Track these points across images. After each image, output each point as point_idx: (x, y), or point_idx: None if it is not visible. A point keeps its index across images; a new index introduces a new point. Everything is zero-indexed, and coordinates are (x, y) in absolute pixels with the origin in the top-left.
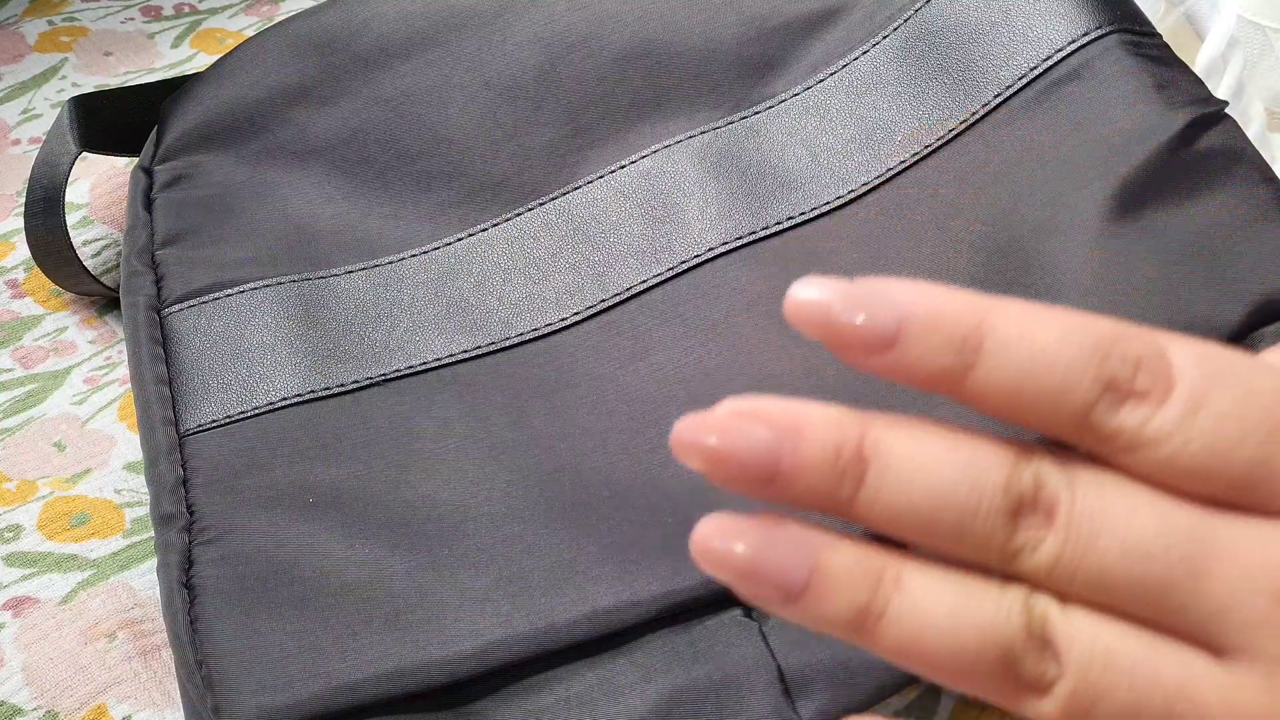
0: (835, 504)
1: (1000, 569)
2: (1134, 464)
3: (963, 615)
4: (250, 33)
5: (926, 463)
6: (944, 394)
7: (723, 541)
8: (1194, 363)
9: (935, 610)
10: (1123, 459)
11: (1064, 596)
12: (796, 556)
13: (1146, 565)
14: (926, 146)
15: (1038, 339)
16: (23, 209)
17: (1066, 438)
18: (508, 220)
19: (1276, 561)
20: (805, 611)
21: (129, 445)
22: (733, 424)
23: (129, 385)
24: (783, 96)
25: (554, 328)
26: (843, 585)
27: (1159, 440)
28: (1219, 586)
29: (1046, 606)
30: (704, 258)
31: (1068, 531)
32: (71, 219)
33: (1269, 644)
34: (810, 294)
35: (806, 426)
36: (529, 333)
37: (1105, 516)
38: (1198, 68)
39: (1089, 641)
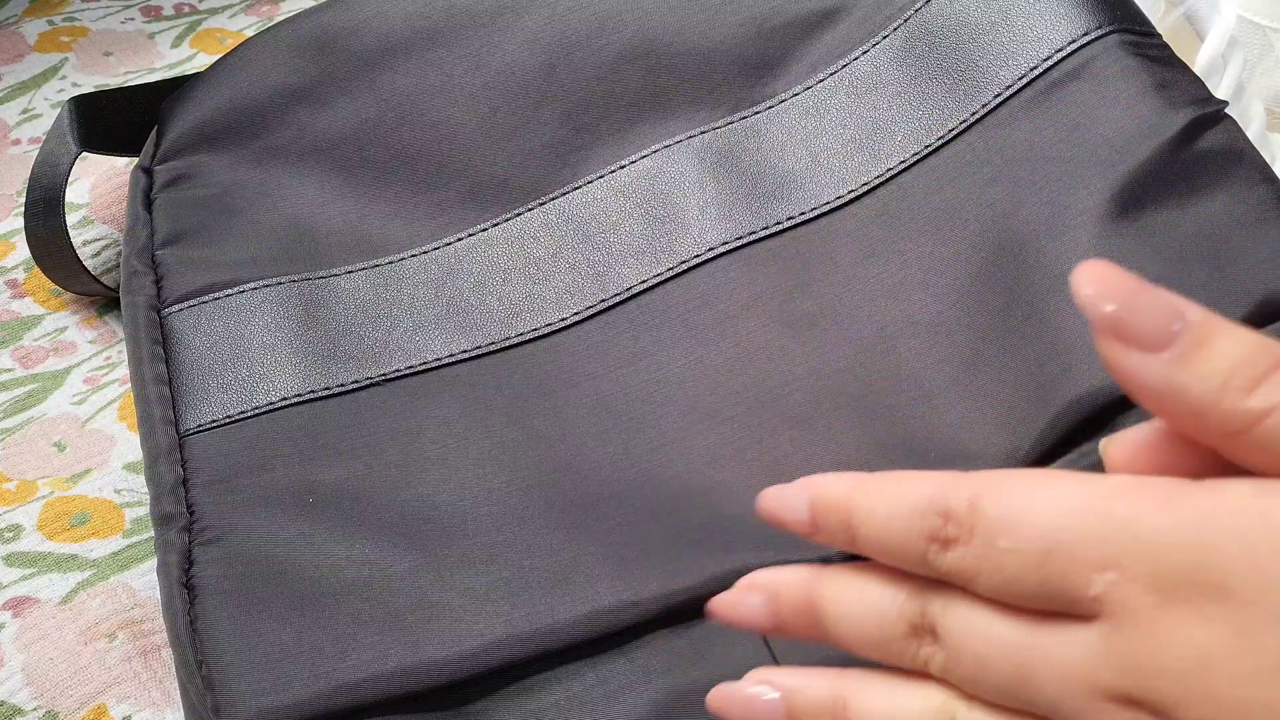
0: (815, 635)
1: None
2: (973, 590)
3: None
4: (250, 33)
5: (849, 605)
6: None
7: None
8: (992, 504)
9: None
10: (966, 588)
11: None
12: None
13: (995, 674)
14: (926, 146)
15: (880, 510)
16: (23, 209)
17: (924, 574)
18: (508, 220)
19: (1083, 662)
20: None
21: (129, 445)
22: (739, 596)
23: (129, 385)
24: (783, 96)
25: (554, 328)
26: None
27: (974, 575)
28: (1047, 688)
29: (955, 706)
30: (704, 258)
31: (946, 649)
32: (71, 219)
33: None
34: (766, 501)
35: (782, 591)
36: (529, 333)
37: (964, 635)
38: (1198, 68)
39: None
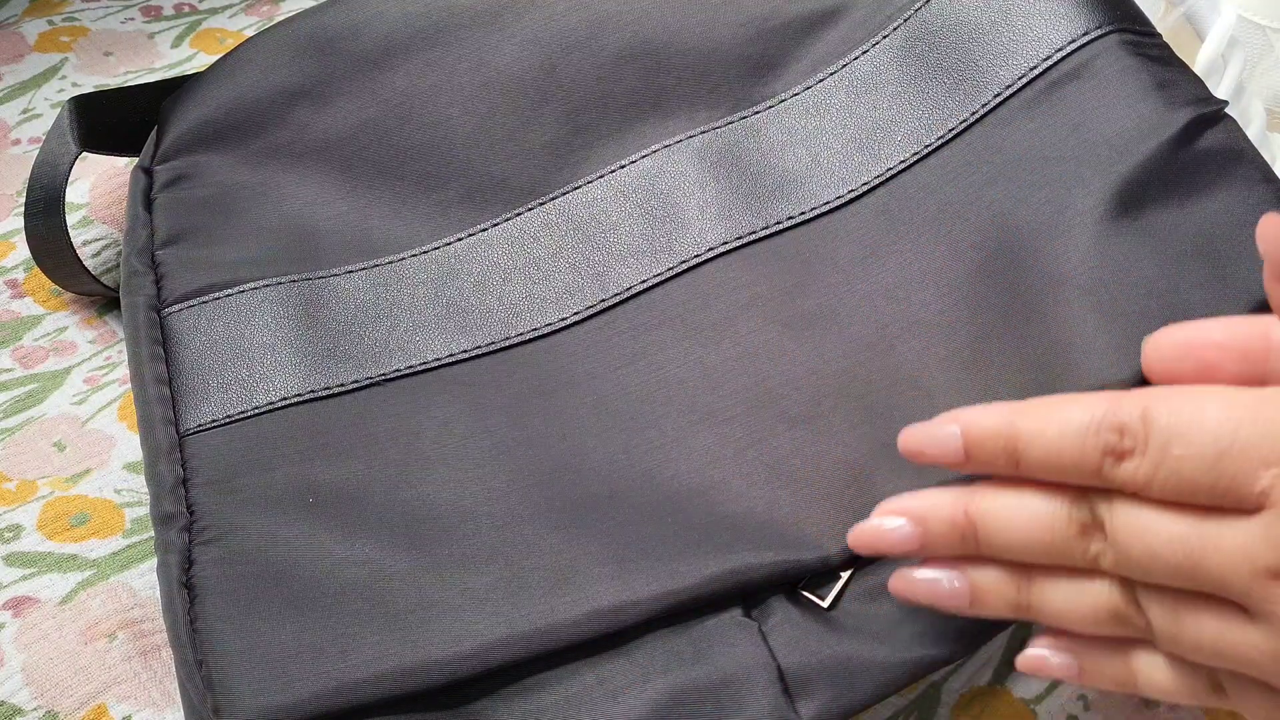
0: (967, 550)
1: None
2: (1145, 495)
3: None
4: (250, 33)
5: (1012, 516)
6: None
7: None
8: (1163, 414)
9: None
10: (1138, 493)
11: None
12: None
13: (1166, 563)
14: (926, 146)
15: (1051, 432)
16: (23, 209)
17: (1094, 485)
18: (508, 220)
19: (1248, 547)
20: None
21: (129, 445)
22: (881, 523)
23: (129, 385)
24: (783, 96)
25: (554, 328)
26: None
27: (1149, 480)
28: (1215, 570)
29: (1129, 589)
30: (704, 257)
31: (1116, 545)
32: (71, 219)
33: (1271, 609)
34: (908, 439)
35: (930, 514)
36: (529, 333)
37: (1135, 532)
38: (1198, 68)
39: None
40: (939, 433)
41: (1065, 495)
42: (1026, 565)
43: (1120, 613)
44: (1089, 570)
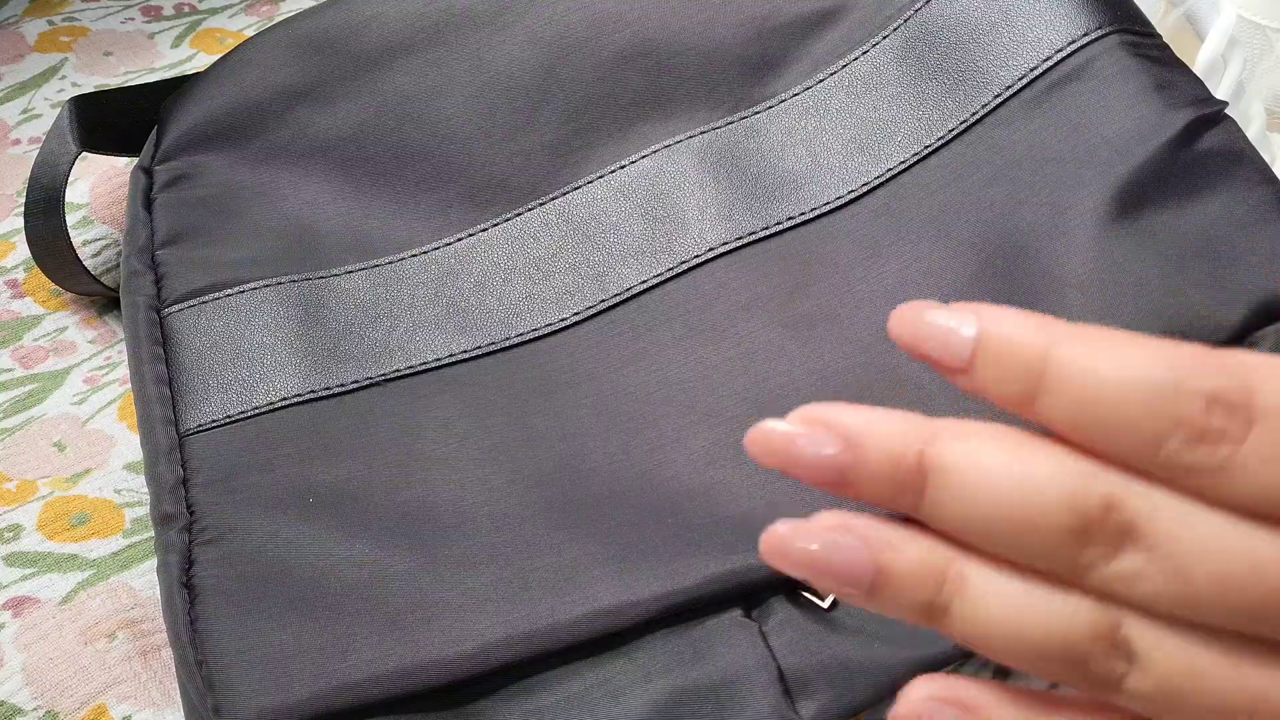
0: (902, 509)
1: (1071, 580)
2: (1217, 494)
3: (1025, 616)
4: (250, 33)
5: (985, 478)
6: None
7: (796, 540)
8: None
9: (998, 610)
10: (1206, 491)
11: (1139, 609)
12: (861, 555)
13: (1240, 592)
14: (926, 146)
15: (1107, 373)
16: (23, 209)
17: (1139, 466)
18: (508, 220)
19: None
20: (878, 604)
21: (129, 445)
22: (802, 431)
23: (129, 385)
24: (783, 96)
25: (554, 328)
26: (906, 584)
27: (1233, 475)
28: None
29: (1119, 614)
30: (704, 258)
31: (1150, 554)
32: (71, 219)
33: None
34: (900, 324)
35: (869, 437)
36: (529, 333)
37: (1185, 538)
38: (1198, 68)
39: (1170, 649)
40: (942, 324)
41: (1076, 466)
42: (965, 548)
43: (1078, 653)
44: (1070, 581)
